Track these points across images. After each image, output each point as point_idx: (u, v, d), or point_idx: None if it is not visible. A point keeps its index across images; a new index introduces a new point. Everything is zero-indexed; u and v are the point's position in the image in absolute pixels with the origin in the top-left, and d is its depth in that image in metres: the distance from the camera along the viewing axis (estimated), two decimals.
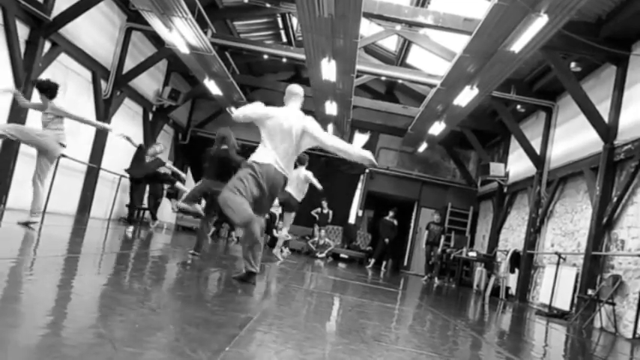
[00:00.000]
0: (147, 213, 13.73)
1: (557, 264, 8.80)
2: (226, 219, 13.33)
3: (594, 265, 7.80)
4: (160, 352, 1.99)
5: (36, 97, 9.18)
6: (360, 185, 16.95)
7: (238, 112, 4.60)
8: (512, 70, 7.97)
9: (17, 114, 8.70)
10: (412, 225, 16.79)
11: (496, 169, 12.95)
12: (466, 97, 9.40)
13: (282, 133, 4.39)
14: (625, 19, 7.50)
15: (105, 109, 11.44)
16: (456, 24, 8.34)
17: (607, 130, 8.10)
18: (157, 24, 8.94)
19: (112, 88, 11.48)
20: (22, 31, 8.71)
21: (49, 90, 6.25)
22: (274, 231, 13.83)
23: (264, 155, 4.33)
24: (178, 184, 10.45)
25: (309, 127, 4.49)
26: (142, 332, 2.23)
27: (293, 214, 9.49)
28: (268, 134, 4.40)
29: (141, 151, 10.44)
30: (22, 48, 8.73)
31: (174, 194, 10.83)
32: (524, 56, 7.37)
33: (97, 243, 6.72)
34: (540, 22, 6.21)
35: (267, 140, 4.39)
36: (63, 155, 9.70)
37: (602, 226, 7.81)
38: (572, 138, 9.79)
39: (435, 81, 10.08)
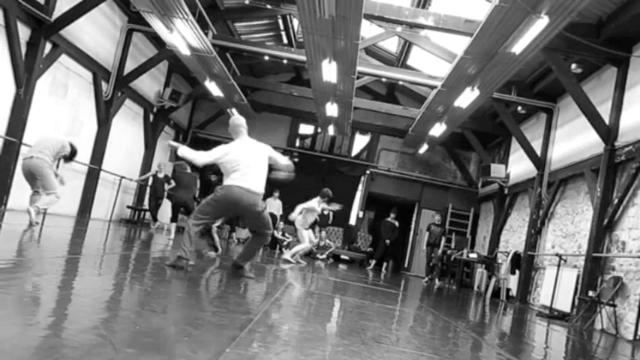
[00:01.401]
0: (147, 214, 13.76)
1: (558, 265, 8.79)
2: (229, 221, 13.42)
3: (595, 266, 7.79)
4: (161, 353, 1.99)
5: (37, 97, 9.25)
6: (360, 187, 16.95)
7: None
8: (513, 71, 7.97)
9: (18, 115, 8.72)
10: (413, 226, 16.78)
11: (497, 170, 12.94)
12: (467, 98, 9.40)
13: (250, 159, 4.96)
14: (625, 21, 7.50)
15: (106, 110, 11.46)
16: (457, 25, 8.35)
17: (608, 132, 8.09)
18: (157, 25, 8.95)
19: (112, 89, 11.49)
20: (23, 32, 8.71)
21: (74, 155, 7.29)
22: (274, 232, 13.84)
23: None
24: None
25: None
26: (143, 333, 2.23)
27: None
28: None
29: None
30: (23, 49, 8.74)
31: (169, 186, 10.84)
32: (525, 58, 7.37)
33: (97, 244, 6.73)
34: (541, 23, 6.21)
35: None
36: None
37: (603, 227, 7.80)
38: (572, 139, 9.79)
39: (435, 82, 10.08)
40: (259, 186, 4.92)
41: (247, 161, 4.87)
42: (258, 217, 5.03)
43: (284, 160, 5.32)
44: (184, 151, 4.98)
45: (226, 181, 4.87)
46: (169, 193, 10.34)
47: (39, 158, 6.69)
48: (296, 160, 16.84)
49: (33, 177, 6.69)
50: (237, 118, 5.25)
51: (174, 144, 5.23)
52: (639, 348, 5.90)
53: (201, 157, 4.96)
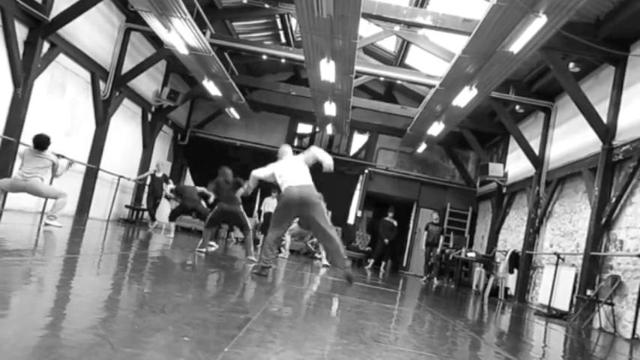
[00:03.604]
0: (146, 214, 13.74)
1: (556, 264, 8.80)
2: (227, 220, 13.42)
3: (593, 265, 7.80)
4: (159, 352, 1.99)
5: (35, 97, 9.22)
6: (359, 186, 16.95)
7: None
8: (511, 70, 7.97)
9: (16, 114, 8.70)
10: (411, 225, 16.78)
11: (495, 169, 12.95)
12: (465, 97, 9.41)
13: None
14: (623, 20, 7.51)
15: (104, 109, 11.44)
16: (455, 24, 8.35)
17: (605, 131, 8.11)
18: (155, 24, 8.93)
19: (110, 88, 11.47)
20: (21, 32, 8.70)
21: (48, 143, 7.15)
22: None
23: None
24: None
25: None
26: (141, 333, 2.23)
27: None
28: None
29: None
30: (21, 49, 8.72)
31: (173, 196, 10.83)
32: (523, 57, 7.37)
33: (96, 244, 6.72)
34: (539, 22, 6.22)
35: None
36: (62, 156, 9.75)
37: (601, 226, 7.82)
38: (570, 138, 9.80)
39: (434, 81, 10.09)
40: (306, 180, 5.60)
41: (290, 169, 5.72)
42: (316, 213, 5.52)
43: (326, 159, 5.81)
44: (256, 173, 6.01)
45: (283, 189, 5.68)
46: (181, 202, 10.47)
47: (35, 177, 6.90)
48: None
49: (27, 192, 7.01)
50: (284, 146, 6.36)
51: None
52: (637, 346, 5.91)
53: (257, 173, 6.01)
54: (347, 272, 5.62)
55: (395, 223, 14.24)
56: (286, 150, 6.24)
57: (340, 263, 5.58)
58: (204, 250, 7.52)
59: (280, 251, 11.86)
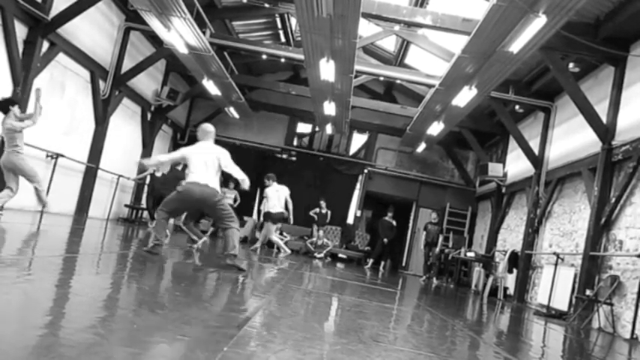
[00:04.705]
0: (145, 213, 13.74)
1: (556, 264, 8.81)
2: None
3: (592, 265, 7.81)
4: (159, 352, 1.99)
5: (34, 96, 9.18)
6: (358, 185, 16.96)
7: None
8: (511, 70, 7.97)
9: None
10: (410, 225, 16.79)
11: (494, 169, 12.96)
12: (465, 97, 9.41)
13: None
14: (623, 20, 7.52)
15: (103, 108, 11.43)
16: (455, 24, 8.35)
17: (605, 131, 8.11)
18: (155, 24, 8.93)
19: (110, 88, 11.46)
20: (21, 31, 8.69)
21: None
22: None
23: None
24: None
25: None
26: (141, 332, 2.23)
27: (269, 224, 11.02)
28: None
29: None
30: (21, 48, 8.71)
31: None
32: (522, 57, 7.37)
33: (95, 243, 6.72)
34: (539, 22, 6.22)
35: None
36: (61, 155, 9.75)
37: (601, 226, 7.82)
38: (570, 138, 9.80)
39: (433, 81, 10.09)
40: (210, 180, 5.57)
41: (200, 163, 5.62)
42: (215, 208, 5.64)
43: (237, 174, 5.83)
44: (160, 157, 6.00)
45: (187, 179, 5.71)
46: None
47: (13, 154, 6.68)
48: (294, 159, 16.85)
49: (14, 172, 6.77)
50: (207, 126, 6.01)
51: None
52: (636, 346, 5.92)
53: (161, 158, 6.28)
54: (229, 260, 5.68)
55: (394, 222, 14.22)
56: (207, 131, 5.89)
57: (228, 247, 5.68)
58: (195, 246, 7.55)
59: (279, 251, 11.87)
